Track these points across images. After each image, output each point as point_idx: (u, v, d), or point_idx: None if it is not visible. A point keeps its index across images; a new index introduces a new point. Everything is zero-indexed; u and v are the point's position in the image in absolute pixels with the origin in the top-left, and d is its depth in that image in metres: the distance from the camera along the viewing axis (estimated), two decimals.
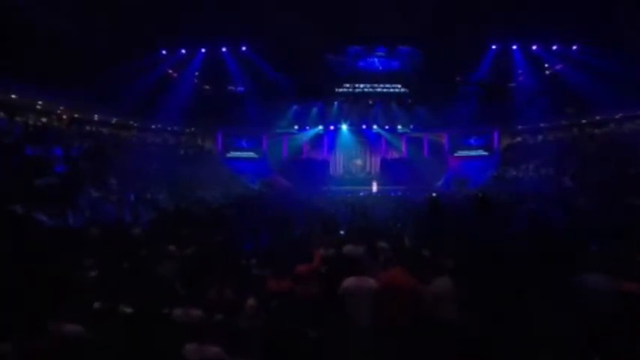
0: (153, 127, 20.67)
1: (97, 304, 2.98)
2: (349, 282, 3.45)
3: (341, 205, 10.89)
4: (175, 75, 18.87)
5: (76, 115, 16.51)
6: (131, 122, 19.75)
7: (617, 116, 17.87)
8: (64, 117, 16.02)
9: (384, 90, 20.95)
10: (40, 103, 14.67)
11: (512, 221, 6.67)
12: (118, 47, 14.17)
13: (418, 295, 3.14)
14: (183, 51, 17.37)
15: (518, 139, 21.87)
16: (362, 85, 20.80)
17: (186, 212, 8.35)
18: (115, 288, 3.03)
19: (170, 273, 3.76)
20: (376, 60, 20.55)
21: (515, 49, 17.11)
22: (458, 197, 12.05)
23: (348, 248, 4.44)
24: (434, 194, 12.11)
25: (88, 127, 17.27)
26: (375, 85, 20.81)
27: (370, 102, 21.82)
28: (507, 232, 5.52)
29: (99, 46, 13.58)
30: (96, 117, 17.64)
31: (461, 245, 4.08)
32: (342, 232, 6.18)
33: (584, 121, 18.87)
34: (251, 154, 23.86)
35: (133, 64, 15.72)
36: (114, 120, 18.72)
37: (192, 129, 22.73)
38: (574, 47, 16.71)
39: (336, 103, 22.20)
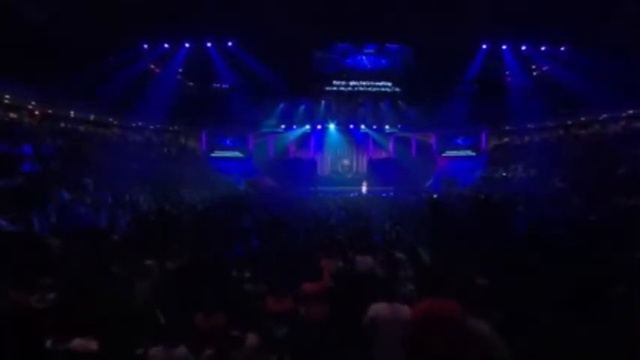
0: (134, 124, 19.78)
1: (49, 342, 2.32)
2: (379, 309, 2.79)
3: (333, 207, 10.46)
4: (158, 71, 18.14)
5: (49, 111, 15.55)
6: (110, 119, 18.84)
7: (601, 117, 18.07)
8: (37, 113, 15.05)
9: (372, 89, 20.68)
10: (7, 97, 13.70)
11: (514, 224, 6.40)
12: (97, 39, 13.39)
13: (469, 328, 2.48)
14: (167, 45, 16.68)
15: (506, 139, 21.96)
16: (350, 84, 20.47)
17: (169, 215, 7.73)
18: (75, 317, 2.41)
19: (148, 294, 3.16)
20: (364, 58, 20.27)
21: (505, 49, 17.10)
22: (457, 199, 11.78)
23: (363, 261, 3.81)
24: (434, 196, 11.79)
25: (63, 124, 16.31)
26: (363, 84, 20.52)
27: (359, 101, 21.53)
28: (533, 240, 5.13)
29: (76, 38, 12.77)
30: (72, 113, 16.69)
31: (487, 259, 3.62)
32: (338, 237, 5.73)
33: (569, 122, 19.02)
34: (236, 154, 23.20)
35: (112, 57, 14.98)
36: (92, 117, 17.79)
37: (176, 127, 21.91)
38: (562, 48, 16.85)
39: (323, 102, 21.84)
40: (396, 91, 20.75)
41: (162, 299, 2.94)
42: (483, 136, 22.46)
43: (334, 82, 20.40)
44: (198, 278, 3.27)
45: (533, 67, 18.43)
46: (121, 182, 11.21)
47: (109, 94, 14.62)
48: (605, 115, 17.80)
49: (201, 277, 3.31)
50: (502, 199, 10.72)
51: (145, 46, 16.30)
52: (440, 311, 2.58)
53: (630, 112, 16.97)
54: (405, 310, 2.81)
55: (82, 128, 17.29)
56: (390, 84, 20.28)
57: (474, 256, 3.73)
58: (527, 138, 20.65)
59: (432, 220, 6.73)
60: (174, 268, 3.74)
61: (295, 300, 3.14)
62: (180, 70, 18.34)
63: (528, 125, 20.15)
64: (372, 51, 20.02)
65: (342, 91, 20.68)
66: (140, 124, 19.86)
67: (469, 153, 22.74)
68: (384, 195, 18.00)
